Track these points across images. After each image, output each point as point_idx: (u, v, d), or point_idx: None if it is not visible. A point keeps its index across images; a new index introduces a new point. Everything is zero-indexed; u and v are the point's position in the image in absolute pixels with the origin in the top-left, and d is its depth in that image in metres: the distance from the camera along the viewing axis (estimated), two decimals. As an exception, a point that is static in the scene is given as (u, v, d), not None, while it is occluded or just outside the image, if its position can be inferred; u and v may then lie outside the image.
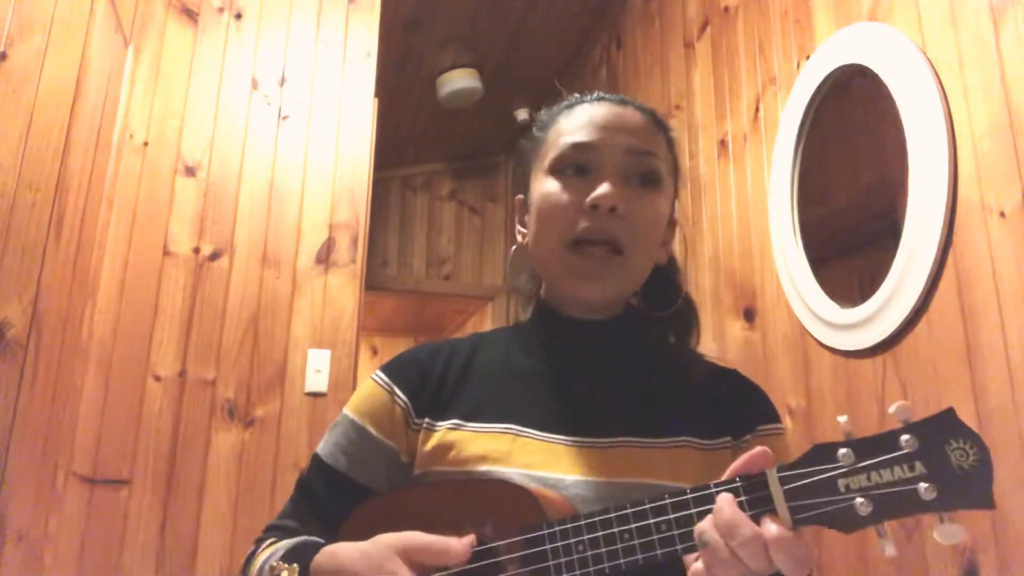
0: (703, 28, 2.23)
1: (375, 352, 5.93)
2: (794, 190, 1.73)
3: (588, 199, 0.78)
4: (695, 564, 0.58)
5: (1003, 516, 1.16)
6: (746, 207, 1.94)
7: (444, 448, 0.78)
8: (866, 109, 1.57)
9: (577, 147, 0.81)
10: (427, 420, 0.81)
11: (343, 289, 2.14)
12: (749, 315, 1.88)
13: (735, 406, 0.83)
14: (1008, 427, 1.17)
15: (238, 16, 2.26)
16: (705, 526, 0.57)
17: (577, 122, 0.83)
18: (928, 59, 1.38)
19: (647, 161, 0.82)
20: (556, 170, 0.82)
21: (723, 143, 2.07)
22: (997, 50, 1.25)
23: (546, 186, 0.82)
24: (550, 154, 0.83)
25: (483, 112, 3.63)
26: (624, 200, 0.78)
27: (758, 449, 0.59)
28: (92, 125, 1.80)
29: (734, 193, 2.00)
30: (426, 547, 0.65)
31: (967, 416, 1.24)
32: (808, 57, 1.71)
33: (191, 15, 2.22)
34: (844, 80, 1.62)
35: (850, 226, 1.62)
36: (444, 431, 0.79)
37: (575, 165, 0.81)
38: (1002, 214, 1.21)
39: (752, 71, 1.96)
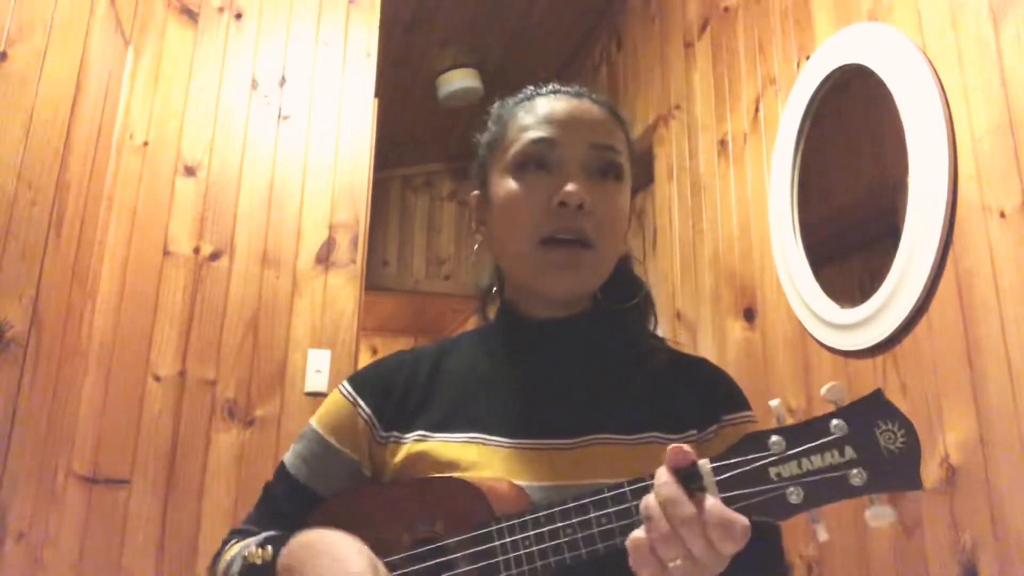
0: (703, 28, 2.23)
1: (375, 352, 5.93)
2: (794, 190, 1.73)
3: (555, 198, 0.77)
4: (635, 532, 0.57)
5: (1003, 516, 1.16)
6: (746, 207, 1.94)
7: (412, 460, 0.78)
8: (866, 109, 1.57)
9: (538, 143, 0.80)
10: (394, 433, 0.81)
11: (343, 289, 2.14)
12: (749, 315, 1.88)
13: (699, 397, 0.82)
14: (1008, 427, 1.17)
15: (238, 16, 2.26)
16: (649, 500, 0.57)
17: (536, 117, 0.82)
18: (928, 59, 1.38)
19: (609, 155, 0.81)
20: (518, 167, 0.81)
21: (723, 143, 2.07)
22: (997, 50, 1.25)
23: (509, 185, 0.81)
24: (510, 150, 0.82)
25: (483, 112, 3.62)
26: (590, 196, 0.77)
27: (670, 448, 0.58)
28: (92, 125, 1.80)
29: (734, 193, 2.00)
30: None
31: (967, 416, 1.24)
32: (808, 57, 1.71)
33: (191, 15, 2.22)
34: (844, 80, 1.62)
35: (850, 226, 1.62)
36: (411, 443, 0.79)
37: (537, 162, 0.80)
38: (1002, 214, 1.21)
39: (752, 71, 1.96)
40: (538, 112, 0.82)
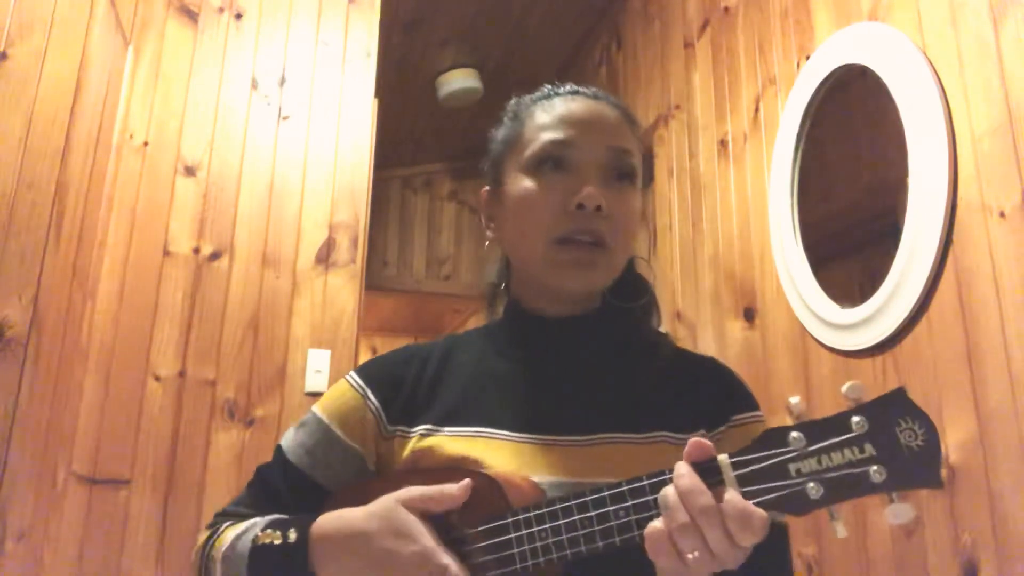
0: (703, 28, 2.23)
1: (375, 352, 5.92)
2: (794, 190, 1.74)
3: (573, 199, 0.78)
4: (654, 522, 0.59)
5: (1003, 516, 1.16)
6: (746, 207, 1.94)
7: (419, 454, 0.77)
8: (866, 109, 1.57)
9: (556, 144, 0.81)
10: (401, 428, 0.81)
11: (343, 289, 2.14)
12: (749, 315, 1.88)
13: (708, 396, 0.82)
14: (1008, 427, 1.17)
15: (238, 16, 2.26)
16: (669, 491, 0.58)
17: (554, 117, 0.82)
18: (928, 59, 1.38)
19: (625, 158, 0.82)
20: (535, 166, 0.81)
21: (723, 143, 2.07)
22: (997, 50, 1.25)
23: (526, 183, 0.81)
24: (527, 149, 0.82)
25: (483, 112, 3.63)
26: (607, 199, 0.78)
27: (690, 442, 0.60)
28: (92, 125, 1.80)
29: (734, 193, 2.00)
30: (423, 494, 0.68)
31: (967, 416, 1.24)
32: (808, 57, 1.71)
33: (191, 15, 2.22)
34: (844, 80, 1.62)
35: (850, 226, 1.62)
36: (417, 437, 0.79)
37: (554, 161, 0.80)
38: (1002, 214, 1.21)
39: (752, 71, 1.96)
40: (556, 112, 0.83)
